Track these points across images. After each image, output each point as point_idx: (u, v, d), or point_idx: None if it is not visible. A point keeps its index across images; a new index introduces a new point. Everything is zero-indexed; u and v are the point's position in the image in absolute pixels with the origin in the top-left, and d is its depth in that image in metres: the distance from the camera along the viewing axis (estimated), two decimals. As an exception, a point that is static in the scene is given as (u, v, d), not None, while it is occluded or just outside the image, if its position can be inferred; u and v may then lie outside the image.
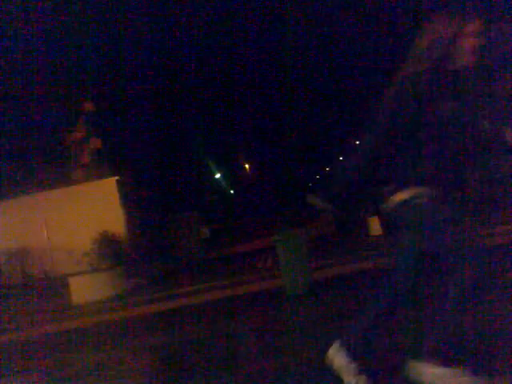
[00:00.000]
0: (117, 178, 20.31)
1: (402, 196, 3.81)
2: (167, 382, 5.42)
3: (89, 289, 15.11)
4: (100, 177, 20.67)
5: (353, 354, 4.02)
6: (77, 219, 19.19)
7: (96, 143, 22.05)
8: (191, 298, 12.06)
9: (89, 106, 22.39)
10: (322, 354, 5.21)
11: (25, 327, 12.29)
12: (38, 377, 6.75)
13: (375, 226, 19.43)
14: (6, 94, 25.44)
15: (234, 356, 5.95)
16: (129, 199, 20.61)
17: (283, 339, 6.47)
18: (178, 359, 6.37)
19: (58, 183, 20.67)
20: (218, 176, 36.57)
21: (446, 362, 3.52)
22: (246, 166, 42.28)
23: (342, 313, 7.27)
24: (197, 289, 13.55)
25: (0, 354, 9.37)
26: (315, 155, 39.84)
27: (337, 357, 4.09)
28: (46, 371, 7.03)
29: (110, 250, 17.42)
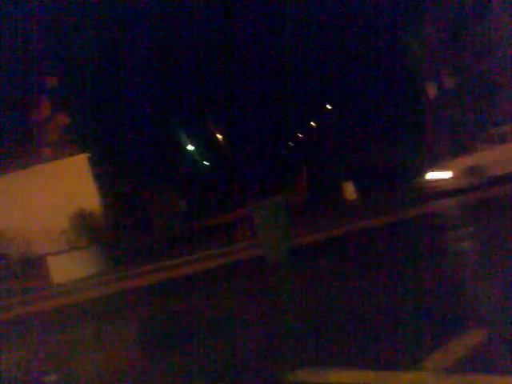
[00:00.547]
0: (88, 154, 20.00)
1: None
2: (155, 352, 5.52)
3: (68, 267, 15.04)
4: (71, 154, 20.28)
5: None
6: (50, 198, 18.91)
7: (63, 120, 21.52)
8: (172, 272, 12.15)
9: (52, 81, 21.70)
10: (299, 319, 5.39)
11: (5, 308, 12.25)
12: (25, 354, 6.80)
13: (349, 191, 19.68)
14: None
15: (218, 323, 6.08)
16: (102, 175, 20.37)
17: (265, 304, 6.63)
18: (164, 330, 6.49)
19: (27, 163, 20.20)
20: (191, 148, 36.31)
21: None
22: (219, 136, 41.96)
23: (319, 277, 7.48)
24: (177, 262, 13.62)
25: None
26: (286, 122, 39.74)
27: None
28: (31, 349, 7.09)
29: (86, 228, 17.31)
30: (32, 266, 16.03)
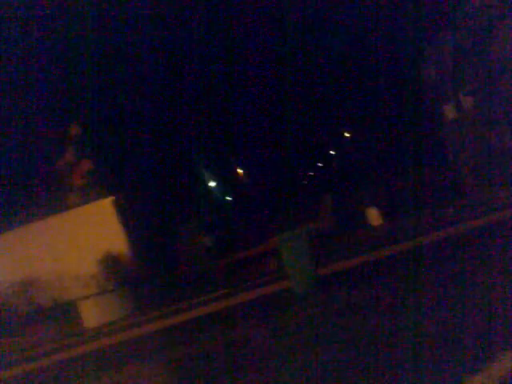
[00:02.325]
0: (112, 197, 20.36)
1: None
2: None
3: (99, 311, 15.16)
4: (96, 198, 20.69)
5: None
6: (79, 243, 19.21)
7: (87, 165, 22.05)
8: (201, 309, 12.15)
9: (75, 130, 22.39)
10: (334, 349, 5.35)
11: (39, 357, 12.35)
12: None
13: (374, 216, 19.55)
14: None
15: (251, 362, 6.05)
16: (127, 217, 20.66)
17: (296, 338, 6.57)
18: (197, 371, 6.48)
19: (55, 209, 20.65)
20: (212, 184, 36.64)
21: None
22: (240, 171, 42.36)
23: (350, 306, 7.40)
24: (205, 299, 13.63)
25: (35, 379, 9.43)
26: (305, 152, 39.93)
27: None
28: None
29: (114, 271, 17.49)
30: (64, 311, 16.18)
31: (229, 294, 13.30)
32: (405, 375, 4.01)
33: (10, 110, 24.40)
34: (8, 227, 20.22)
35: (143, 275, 17.93)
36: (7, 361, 12.77)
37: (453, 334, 4.63)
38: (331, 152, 44.81)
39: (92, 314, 15.03)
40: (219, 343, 7.70)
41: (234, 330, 8.45)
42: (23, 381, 9.81)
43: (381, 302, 7.02)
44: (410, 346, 4.71)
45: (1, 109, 24.11)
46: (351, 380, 4.31)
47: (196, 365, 6.80)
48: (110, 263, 17.62)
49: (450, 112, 26.30)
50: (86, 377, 8.35)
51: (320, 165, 45.85)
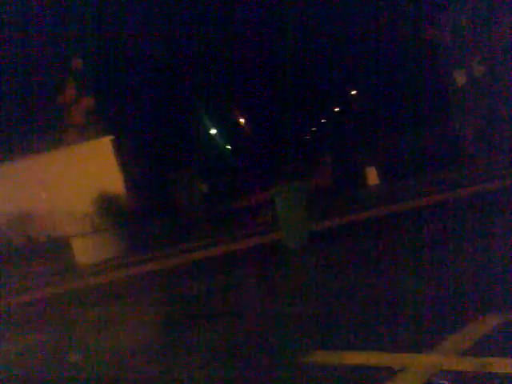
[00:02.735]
0: (112, 137, 20.15)
1: None
2: (171, 334, 5.60)
3: (91, 249, 15.30)
4: (95, 137, 20.44)
5: None
6: (75, 181, 19.12)
7: (88, 103, 21.60)
8: (194, 254, 12.26)
9: (78, 64, 21.74)
10: (317, 303, 5.40)
11: (32, 288, 12.55)
12: (50, 334, 6.95)
13: (372, 176, 19.50)
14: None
15: (235, 306, 6.12)
16: (126, 158, 20.51)
17: (281, 288, 6.64)
18: (182, 313, 6.55)
19: (52, 146, 20.43)
20: (213, 131, 36.35)
21: None
22: (241, 120, 41.91)
23: (338, 261, 7.45)
24: (198, 245, 13.74)
25: (12, 314, 9.59)
26: (309, 106, 39.39)
27: None
28: (56, 330, 7.23)
29: (109, 210, 17.53)
30: (57, 247, 16.33)
31: (221, 241, 13.39)
32: (381, 330, 4.06)
33: (13, 41, 23.81)
34: (6, 159, 20.11)
35: (138, 217, 18.01)
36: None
37: (438, 293, 4.66)
38: (335, 109, 44.22)
39: (85, 252, 15.17)
40: (203, 288, 7.78)
41: (221, 276, 8.52)
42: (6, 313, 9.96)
43: (369, 260, 7.06)
44: (390, 302, 4.74)
45: (3, 40, 23.53)
46: (326, 331, 4.36)
47: (179, 308, 6.88)
48: (105, 202, 17.64)
49: (460, 78, 25.85)
50: (69, 313, 8.46)
51: (323, 121, 45.33)
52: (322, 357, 3.78)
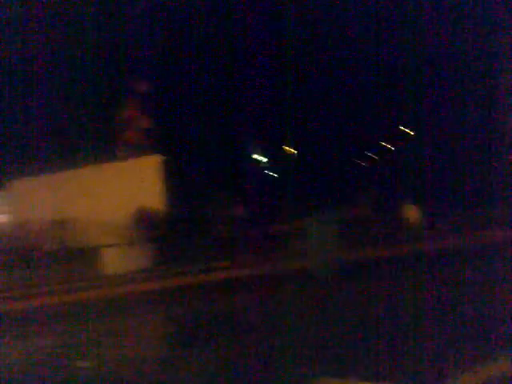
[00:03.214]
0: (160, 156, 20.56)
1: None
2: (183, 350, 5.48)
3: (122, 260, 15.44)
4: (144, 155, 20.95)
5: None
6: (117, 194, 19.53)
7: (144, 122, 22.33)
8: (220, 274, 12.20)
9: (141, 85, 22.63)
10: (333, 336, 5.14)
11: (59, 293, 12.75)
12: (64, 339, 6.93)
13: (413, 213, 18.95)
14: (57, 67, 26.15)
15: (247, 330, 5.96)
16: (169, 177, 20.83)
17: (302, 317, 6.40)
18: (196, 331, 6.43)
19: (102, 158, 21.12)
20: (258, 156, 36.58)
21: None
22: (288, 148, 42.07)
23: (363, 295, 7.14)
24: (226, 265, 13.70)
25: (33, 315, 9.69)
26: (359, 139, 39.16)
27: None
28: (70, 335, 7.21)
29: (145, 225, 17.71)
30: (87, 255, 16.58)
31: (250, 263, 13.27)
32: (399, 367, 3.82)
33: (81, 62, 25.09)
34: (55, 169, 20.88)
35: (172, 234, 18.10)
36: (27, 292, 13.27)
37: (458, 334, 4.39)
38: (386, 144, 43.81)
39: (115, 262, 15.33)
40: (219, 308, 7.63)
41: (240, 297, 8.35)
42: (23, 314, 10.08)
43: (394, 297, 6.75)
44: (410, 340, 4.51)
45: (76, 58, 24.83)
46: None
47: (188, 327, 6.75)
48: (142, 217, 17.85)
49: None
50: (88, 320, 8.44)
51: (369, 154, 44.92)
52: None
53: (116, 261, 15.43)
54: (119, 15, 25.24)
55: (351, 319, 5.60)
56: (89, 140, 24.39)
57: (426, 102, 30.82)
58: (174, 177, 21.40)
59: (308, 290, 8.49)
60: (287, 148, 41.78)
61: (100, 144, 22.60)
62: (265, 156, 38.12)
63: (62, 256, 16.81)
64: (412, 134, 39.07)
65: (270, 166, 41.25)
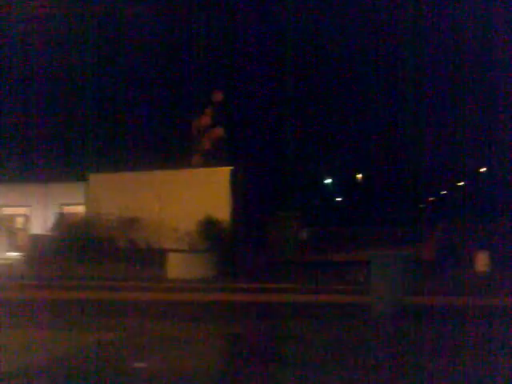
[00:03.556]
0: (231, 167, 20.95)
1: None
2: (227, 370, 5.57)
3: (184, 266, 15.85)
4: (216, 165, 21.45)
5: None
6: (187, 201, 20.09)
7: (219, 132, 22.85)
8: (274, 296, 12.22)
9: (218, 96, 23.23)
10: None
11: (117, 289, 13.27)
12: (122, 337, 7.22)
13: (482, 261, 18.12)
14: (143, 78, 27.59)
15: (286, 360, 5.97)
16: (238, 190, 21.17)
17: (354, 356, 6.32)
18: (235, 351, 6.52)
19: (177, 165, 21.84)
20: (327, 181, 36.39)
21: None
22: (359, 175, 41.56)
23: (424, 347, 6.91)
24: (282, 287, 13.70)
25: (86, 308, 10.11)
26: (431, 175, 38.10)
27: None
28: (130, 333, 7.49)
29: (210, 234, 18.08)
30: (154, 257, 17.13)
31: (306, 290, 13.21)
32: None
33: (165, 72, 26.36)
34: (131, 170, 21.80)
35: (234, 246, 18.36)
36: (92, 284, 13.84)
37: None
38: (459, 183, 42.30)
39: (177, 267, 15.76)
40: (265, 331, 7.66)
41: (292, 325, 8.35)
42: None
43: (452, 350, 6.53)
44: None
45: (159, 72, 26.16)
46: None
47: (225, 345, 6.83)
48: (208, 226, 18.25)
49: None
50: (149, 321, 8.73)
51: (444, 192, 43.51)
52: None
53: (179, 266, 15.84)
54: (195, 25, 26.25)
55: (407, 371, 5.46)
56: (167, 145, 25.40)
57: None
58: (242, 190, 21.70)
59: (366, 328, 8.34)
60: (358, 175, 41.33)
61: (177, 150, 23.44)
62: (331, 178, 37.90)
63: (130, 254, 17.45)
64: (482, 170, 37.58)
65: (335, 188, 40.94)
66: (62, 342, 6.99)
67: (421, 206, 42.13)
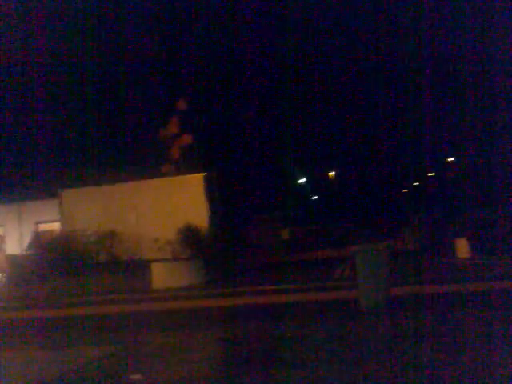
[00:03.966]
0: (204, 174, 20.90)
1: None
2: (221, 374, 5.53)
3: (169, 276, 15.72)
4: (188, 172, 21.38)
5: None
6: (163, 210, 19.98)
7: (187, 139, 22.81)
8: (262, 298, 12.17)
9: (182, 104, 23.22)
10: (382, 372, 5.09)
11: (105, 304, 13.03)
12: (115, 350, 7.09)
13: (463, 249, 18.49)
14: (105, 90, 27.32)
15: (282, 359, 5.97)
16: (214, 195, 21.15)
17: (346, 351, 6.34)
18: (233, 355, 6.48)
19: (148, 175, 21.68)
20: (301, 181, 36.58)
21: None
22: (331, 173, 41.89)
23: (413, 335, 6.98)
24: (269, 289, 13.64)
25: (78, 324, 9.95)
26: (402, 168, 38.64)
27: None
28: (123, 346, 7.36)
29: (191, 242, 17.99)
30: (137, 269, 16.95)
31: (294, 289, 13.20)
32: None
33: (129, 80, 26.12)
34: (105, 182, 21.54)
35: (216, 252, 18.31)
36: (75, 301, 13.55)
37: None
38: (430, 174, 43.00)
39: (161, 277, 15.63)
40: (259, 333, 7.63)
41: (283, 325, 8.34)
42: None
43: (440, 337, 6.61)
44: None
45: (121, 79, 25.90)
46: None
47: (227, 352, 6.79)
48: (188, 233, 18.16)
49: None
50: (138, 333, 8.61)
51: (416, 184, 44.16)
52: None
53: (163, 275, 15.70)
54: (165, 34, 26.17)
55: (398, 363, 5.49)
56: (136, 156, 25.18)
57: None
58: (218, 195, 21.69)
59: (355, 322, 8.37)
60: (330, 173, 41.65)
61: (146, 160, 23.29)
62: (305, 177, 38.10)
63: (111, 268, 17.23)
64: (451, 160, 38.34)
65: (310, 188, 41.21)
66: (54, 362, 6.80)
67: (396, 198, 42.70)
